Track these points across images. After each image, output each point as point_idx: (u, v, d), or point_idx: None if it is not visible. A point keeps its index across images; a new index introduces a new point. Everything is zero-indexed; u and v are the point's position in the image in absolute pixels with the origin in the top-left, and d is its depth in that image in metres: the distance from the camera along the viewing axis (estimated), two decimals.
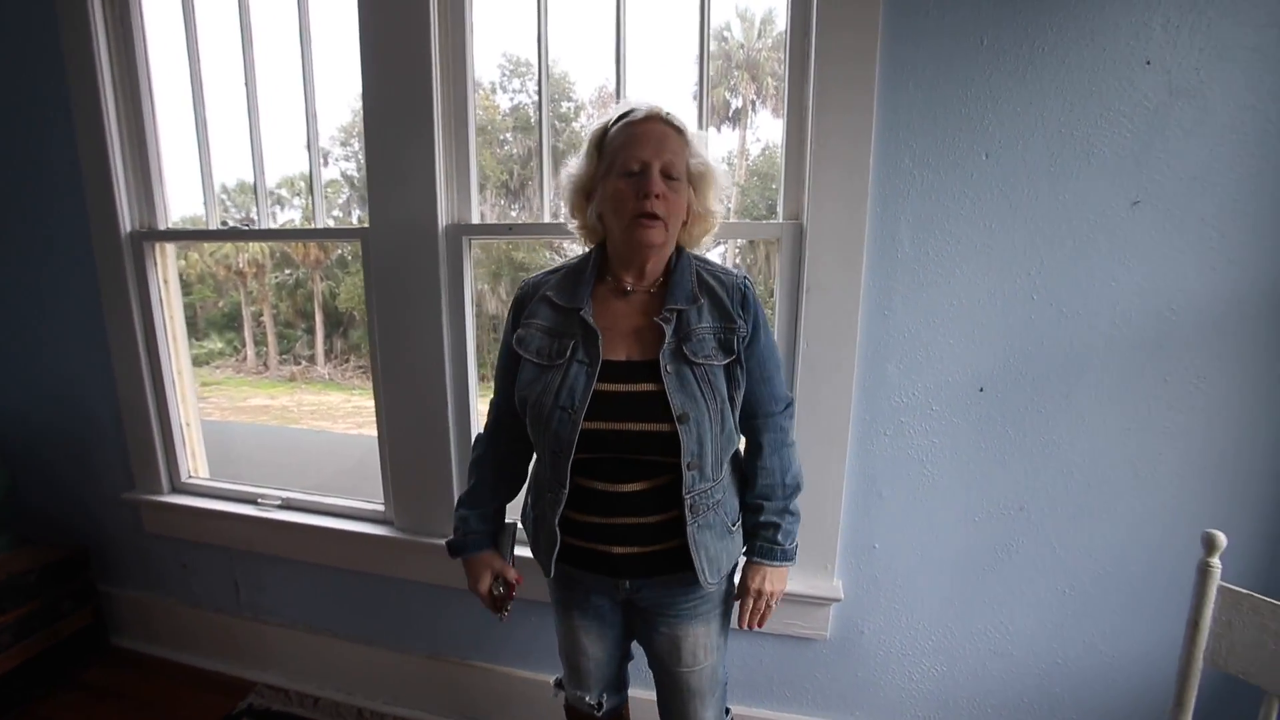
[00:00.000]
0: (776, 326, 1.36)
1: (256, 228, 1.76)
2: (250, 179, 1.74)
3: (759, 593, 1.10)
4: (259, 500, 1.85)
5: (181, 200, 1.86)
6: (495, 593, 1.16)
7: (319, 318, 19.92)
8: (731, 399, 0.99)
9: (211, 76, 1.73)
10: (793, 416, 1.10)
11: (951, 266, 1.28)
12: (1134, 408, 1.26)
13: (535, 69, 1.46)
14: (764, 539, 1.08)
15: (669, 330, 0.97)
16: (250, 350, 20.11)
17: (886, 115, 1.24)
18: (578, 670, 1.20)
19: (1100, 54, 1.16)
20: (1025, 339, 1.28)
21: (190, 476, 1.95)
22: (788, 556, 1.09)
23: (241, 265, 19.41)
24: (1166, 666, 1.33)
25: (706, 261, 1.06)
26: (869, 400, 1.35)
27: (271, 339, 20.10)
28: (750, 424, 1.06)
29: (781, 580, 1.11)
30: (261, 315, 20.19)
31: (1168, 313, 1.22)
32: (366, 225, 1.55)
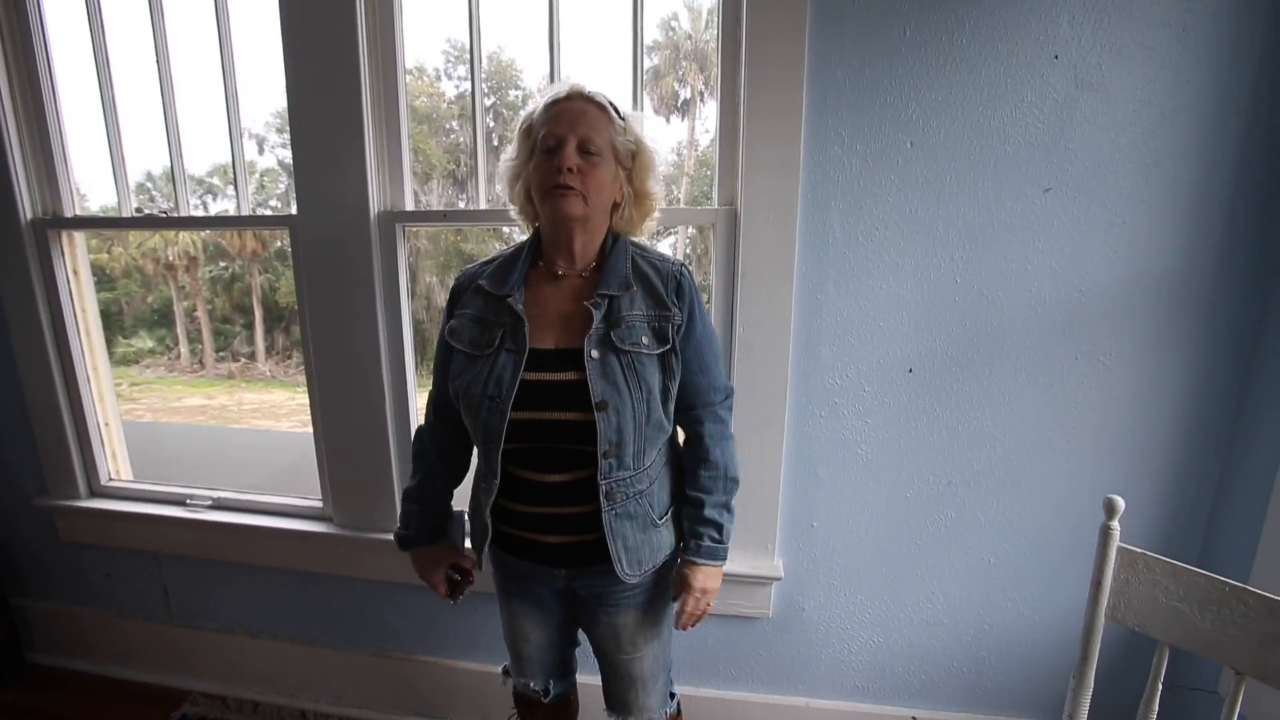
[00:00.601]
0: (713, 311, 1.38)
1: (174, 216, 1.67)
2: (180, 167, 1.65)
3: (704, 590, 1.06)
4: (187, 501, 1.77)
5: (101, 189, 1.74)
6: (453, 579, 1.16)
7: (258, 313, 19.05)
8: (665, 389, 0.98)
9: (129, 56, 1.62)
10: (732, 408, 1.09)
11: (880, 251, 1.32)
12: (1048, 384, 1.34)
13: (479, 55, 1.43)
14: (709, 538, 1.04)
15: (598, 316, 0.96)
16: (184, 348, 19.08)
17: (816, 99, 1.27)
18: (521, 657, 1.20)
19: (1014, 48, 1.22)
20: (950, 321, 1.34)
21: (111, 479, 1.85)
22: (726, 556, 1.07)
23: (171, 258, 18.33)
24: (1079, 623, 1.42)
25: (644, 248, 1.05)
26: (804, 383, 1.39)
27: (207, 335, 19.11)
28: (689, 414, 1.04)
29: (718, 579, 1.08)
30: (195, 311, 19.16)
31: (1077, 294, 1.29)
32: (294, 213, 1.49)
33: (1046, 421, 1.36)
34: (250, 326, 19.24)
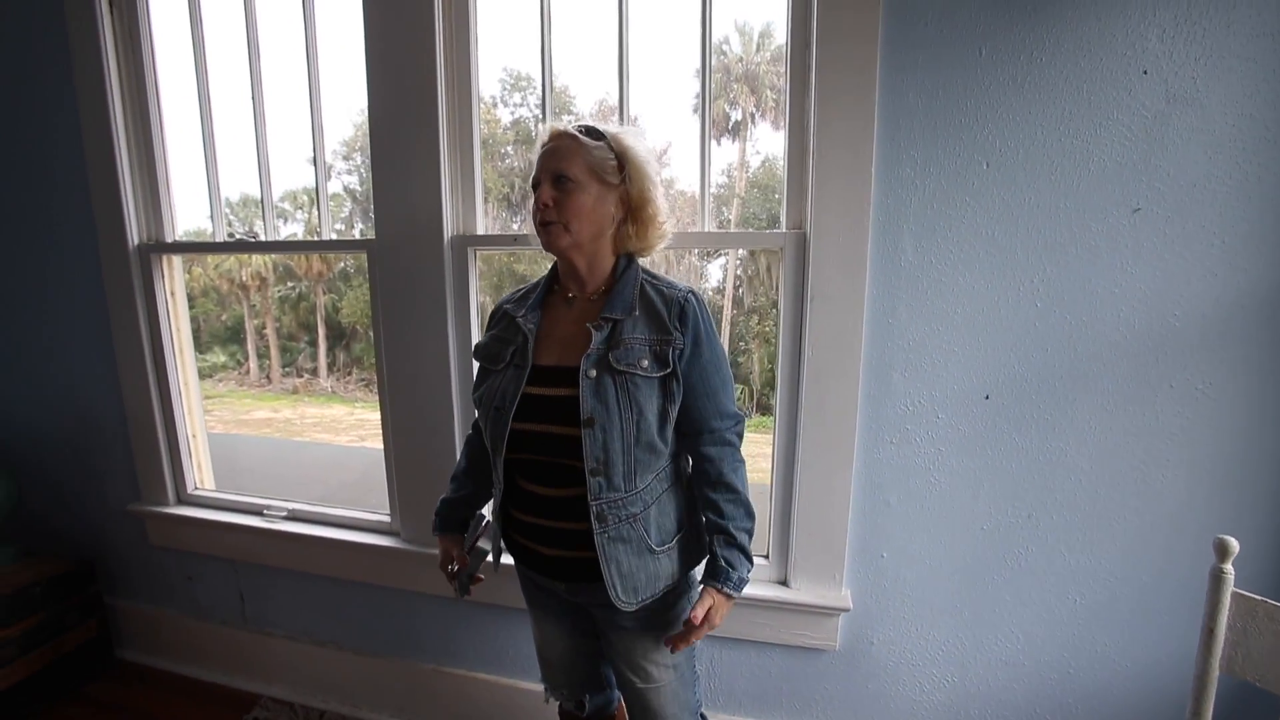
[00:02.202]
0: (782, 334, 1.37)
1: (262, 240, 1.78)
2: (251, 192, 1.78)
3: (709, 624, 1.01)
4: (265, 512, 1.85)
5: (185, 214, 1.88)
6: (449, 569, 1.24)
7: (322, 331, 20.00)
8: (663, 412, 0.99)
9: (217, 90, 1.75)
10: (741, 435, 1.08)
11: (955, 274, 1.28)
12: (1140, 414, 1.26)
13: (536, 83, 1.48)
14: (744, 568, 1.03)
15: (598, 337, 0.99)
16: (253, 363, 20.17)
17: (887, 124, 1.26)
18: (550, 666, 1.25)
19: (1097, 64, 1.18)
20: (1030, 346, 1.28)
21: (196, 488, 1.96)
22: (744, 585, 1.04)
23: (244, 278, 19.52)
24: (1181, 674, 1.32)
25: (654, 275, 1.07)
26: (874, 408, 1.35)
27: (274, 352, 20.16)
28: (698, 439, 1.04)
29: (727, 610, 1.04)
30: (264, 328, 20.26)
31: (1171, 319, 1.22)
32: (372, 237, 1.57)
33: (1137, 453, 1.28)
34: (314, 344, 20.19)
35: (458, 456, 1.57)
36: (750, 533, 1.06)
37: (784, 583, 1.46)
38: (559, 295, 1.10)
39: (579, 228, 1.00)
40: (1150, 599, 1.33)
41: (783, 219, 1.37)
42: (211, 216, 1.85)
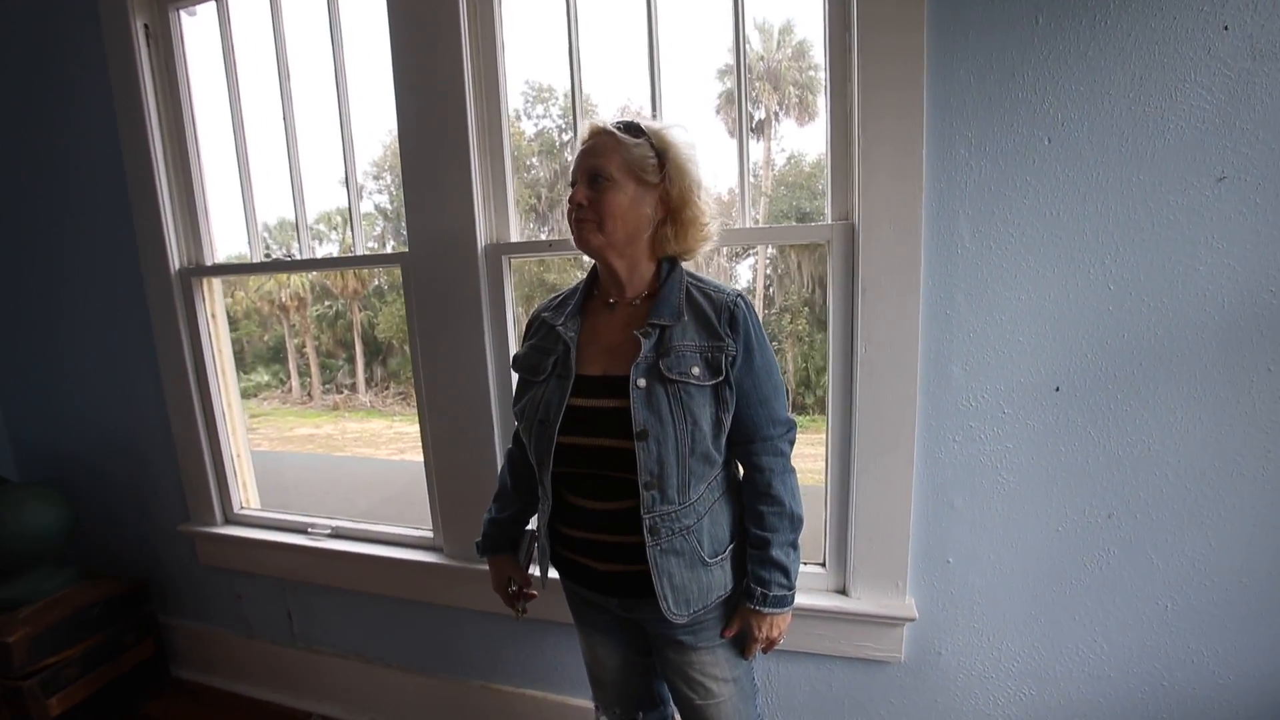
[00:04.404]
0: (832, 331, 1.30)
1: (298, 258, 1.79)
2: (287, 215, 1.79)
3: (769, 640, 1.05)
4: (309, 530, 1.86)
5: (224, 240, 1.90)
6: (510, 590, 1.23)
7: (359, 347, 20.49)
8: (717, 421, 0.95)
9: (250, 116, 1.77)
10: (794, 442, 1.04)
11: (1017, 260, 1.20)
12: (1234, 401, 1.15)
13: (557, 95, 1.49)
14: (778, 585, 1.00)
15: (647, 345, 0.95)
16: (295, 381, 20.77)
17: (938, 100, 1.18)
18: (600, 684, 1.21)
19: (1170, 23, 1.08)
20: (1104, 332, 1.19)
21: (242, 507, 1.97)
22: (793, 600, 1.03)
23: (284, 299, 20.14)
24: None
25: (699, 278, 1.03)
26: (934, 404, 1.27)
27: (314, 369, 20.73)
28: (748, 448, 1.00)
29: (787, 621, 1.06)
30: (304, 347, 20.85)
31: (1266, 295, 1.11)
32: (406, 250, 1.55)
33: (1233, 445, 1.17)
34: (352, 360, 20.70)
35: (498, 470, 1.54)
36: (794, 545, 1.03)
37: (843, 591, 1.39)
38: (599, 301, 1.06)
39: (613, 226, 0.96)
40: (1250, 603, 1.21)
41: (828, 211, 1.30)
42: (248, 240, 1.86)
